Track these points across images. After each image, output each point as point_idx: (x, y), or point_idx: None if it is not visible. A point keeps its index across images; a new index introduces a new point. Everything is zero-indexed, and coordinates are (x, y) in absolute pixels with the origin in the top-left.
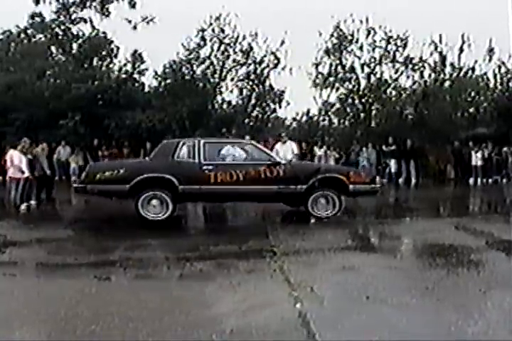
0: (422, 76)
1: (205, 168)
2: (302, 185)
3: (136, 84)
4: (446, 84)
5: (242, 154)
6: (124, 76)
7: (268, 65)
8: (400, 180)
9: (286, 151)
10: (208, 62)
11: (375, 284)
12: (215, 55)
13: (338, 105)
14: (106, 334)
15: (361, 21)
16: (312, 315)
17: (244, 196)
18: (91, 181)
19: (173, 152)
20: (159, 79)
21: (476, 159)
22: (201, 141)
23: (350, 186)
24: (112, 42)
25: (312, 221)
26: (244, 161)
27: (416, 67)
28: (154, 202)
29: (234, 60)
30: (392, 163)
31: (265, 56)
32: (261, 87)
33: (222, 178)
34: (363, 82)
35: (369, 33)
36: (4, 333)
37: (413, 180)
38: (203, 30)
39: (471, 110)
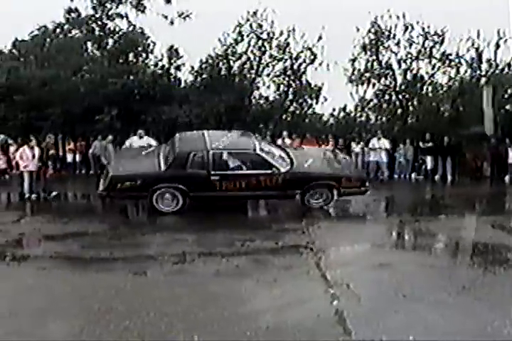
0: (458, 72)
1: (212, 178)
2: (298, 190)
3: (173, 80)
4: (483, 80)
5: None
6: (160, 71)
7: (305, 61)
8: (436, 177)
9: None
10: (244, 57)
11: (412, 282)
12: (252, 51)
13: (375, 101)
14: (139, 330)
15: (398, 17)
16: (349, 312)
17: (246, 198)
18: (113, 189)
19: (185, 163)
20: (196, 74)
21: None
22: (210, 151)
23: (342, 189)
24: (148, 37)
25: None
26: (248, 171)
27: (452, 64)
28: (167, 196)
29: (271, 56)
30: (429, 159)
31: (302, 52)
32: (298, 82)
33: (227, 186)
34: (400, 78)
35: (406, 28)
36: (37, 326)
37: (449, 177)
38: (240, 26)
39: (508, 107)
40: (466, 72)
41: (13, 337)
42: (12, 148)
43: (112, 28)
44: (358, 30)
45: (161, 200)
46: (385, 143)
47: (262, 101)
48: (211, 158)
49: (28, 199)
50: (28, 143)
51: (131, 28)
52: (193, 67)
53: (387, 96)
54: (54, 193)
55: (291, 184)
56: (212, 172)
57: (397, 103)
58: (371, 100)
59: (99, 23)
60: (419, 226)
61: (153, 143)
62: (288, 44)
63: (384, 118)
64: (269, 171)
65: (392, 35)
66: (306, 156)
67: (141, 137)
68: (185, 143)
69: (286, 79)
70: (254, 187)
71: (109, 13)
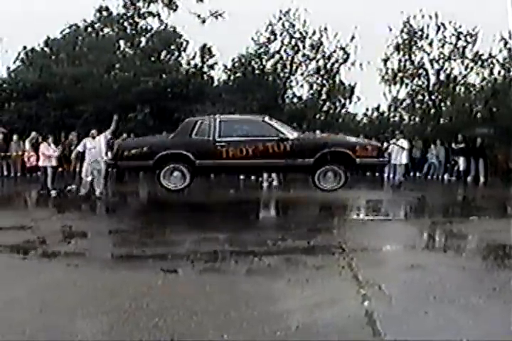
0: (491, 73)
1: (218, 144)
2: (309, 158)
3: (206, 78)
4: None
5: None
6: (193, 70)
7: (338, 60)
8: (469, 179)
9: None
10: (277, 56)
11: (443, 284)
12: (285, 50)
13: (408, 101)
14: (169, 328)
15: (430, 17)
16: (379, 314)
17: (255, 169)
18: (120, 158)
19: (191, 130)
20: (229, 73)
21: None
22: (217, 119)
23: (357, 159)
24: (181, 36)
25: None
26: (255, 137)
27: (485, 64)
28: (175, 173)
29: (304, 55)
30: (461, 160)
31: (335, 51)
32: (331, 82)
33: (233, 153)
34: (433, 79)
35: (439, 28)
36: (67, 324)
37: (481, 179)
38: (273, 25)
39: None
40: (499, 72)
41: (42, 334)
42: (43, 146)
43: (144, 27)
44: (390, 29)
45: (168, 177)
46: (403, 143)
47: (295, 101)
48: (218, 125)
49: (50, 195)
50: (47, 140)
51: (163, 27)
52: (225, 66)
53: (420, 97)
54: (69, 187)
55: (301, 152)
56: (218, 139)
57: (430, 103)
58: (404, 100)
59: (131, 21)
60: (451, 227)
61: (103, 144)
62: (321, 43)
63: (417, 119)
64: (276, 138)
65: (424, 35)
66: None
67: (93, 137)
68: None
69: (320, 78)
70: (261, 154)
71: (141, 12)
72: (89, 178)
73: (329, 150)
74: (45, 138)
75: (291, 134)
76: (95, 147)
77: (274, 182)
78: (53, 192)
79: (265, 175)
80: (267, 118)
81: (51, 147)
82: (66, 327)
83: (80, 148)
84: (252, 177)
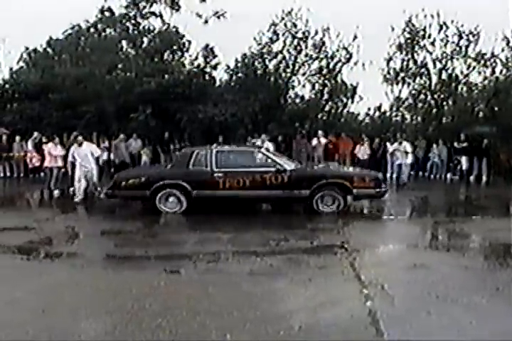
0: (493, 72)
1: (215, 175)
2: (306, 190)
3: (208, 78)
4: None
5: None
6: (195, 70)
7: (340, 60)
8: (471, 178)
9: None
10: (280, 56)
11: (446, 283)
12: (288, 50)
13: (410, 101)
14: (172, 328)
15: (432, 16)
16: (382, 313)
17: (252, 199)
18: (118, 188)
19: (188, 161)
20: (231, 73)
21: None
22: (213, 149)
23: (354, 190)
24: (183, 36)
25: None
26: (252, 168)
27: (488, 63)
28: (171, 199)
29: (306, 55)
30: (464, 160)
31: (337, 51)
32: (333, 81)
33: (231, 184)
34: (435, 78)
35: (441, 27)
36: (69, 324)
37: (484, 178)
38: (275, 25)
39: None
40: (501, 71)
41: (45, 334)
42: (45, 146)
43: (146, 27)
44: (393, 29)
45: (164, 201)
46: (407, 147)
47: (297, 101)
48: (214, 156)
49: (53, 196)
50: (53, 140)
51: (165, 27)
52: (228, 66)
53: (422, 96)
54: (72, 188)
55: (298, 183)
56: (216, 170)
57: (432, 102)
58: (406, 99)
59: (133, 21)
60: (454, 227)
61: (95, 150)
62: (323, 43)
63: (419, 118)
64: (273, 169)
65: (427, 35)
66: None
67: (80, 144)
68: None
69: (322, 78)
70: (258, 185)
71: (143, 12)
72: (83, 184)
73: (326, 182)
74: (51, 139)
75: (289, 165)
76: (83, 154)
77: None
78: (56, 193)
79: None
80: (263, 150)
81: (58, 147)
82: (69, 328)
83: (70, 158)
84: None
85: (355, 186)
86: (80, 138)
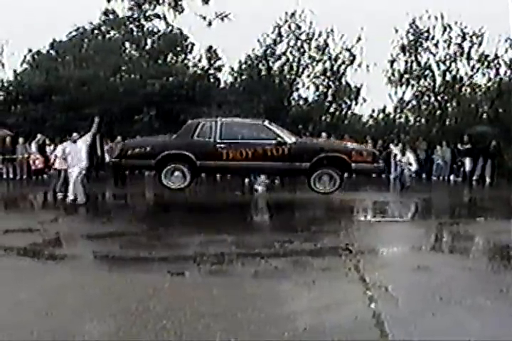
0: (497, 73)
1: (218, 146)
2: (306, 162)
3: (212, 80)
4: None
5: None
6: (199, 72)
7: (344, 62)
8: (474, 179)
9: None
10: (284, 58)
11: (449, 285)
12: (291, 52)
13: (413, 102)
14: (177, 330)
15: (436, 18)
16: (386, 315)
17: (253, 170)
18: (124, 156)
19: (193, 132)
20: (235, 75)
21: None
22: (218, 121)
23: (353, 164)
24: (187, 38)
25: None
26: (254, 140)
27: (491, 65)
28: (176, 173)
29: (310, 57)
30: (467, 161)
31: (341, 53)
32: (337, 83)
33: (233, 155)
34: (438, 80)
35: (445, 29)
36: (73, 326)
37: (487, 180)
38: (279, 27)
39: None
40: (505, 73)
41: (49, 336)
42: (48, 148)
43: (150, 29)
44: (396, 31)
45: (169, 176)
46: (410, 158)
47: (301, 102)
48: (219, 127)
49: (57, 198)
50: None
51: (169, 29)
52: (232, 68)
53: (425, 98)
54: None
55: (298, 155)
56: (219, 141)
57: (436, 104)
58: (410, 101)
59: (137, 23)
60: (458, 228)
61: (84, 150)
62: (327, 45)
63: (423, 120)
64: (274, 141)
65: (430, 36)
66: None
67: (74, 141)
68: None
69: (326, 80)
70: (260, 157)
71: (147, 14)
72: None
73: (326, 155)
74: (60, 140)
75: (290, 138)
76: (76, 152)
77: (259, 188)
78: (60, 194)
79: (259, 179)
80: (266, 122)
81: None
82: (73, 329)
83: (58, 153)
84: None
85: (353, 160)
86: (74, 134)
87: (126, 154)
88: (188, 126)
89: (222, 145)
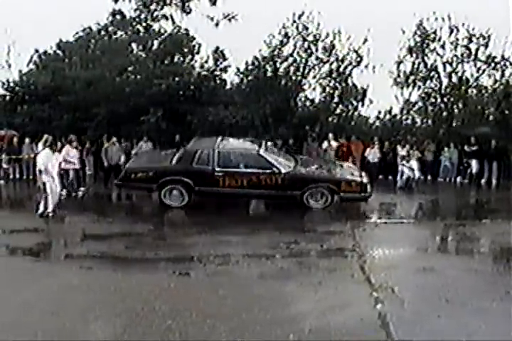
0: (503, 75)
1: (216, 174)
2: (297, 191)
3: (218, 81)
4: None
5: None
6: (205, 73)
7: (350, 63)
8: (482, 181)
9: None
10: (290, 59)
11: (455, 287)
12: (298, 53)
13: (420, 104)
14: (182, 330)
15: (443, 19)
16: (392, 316)
17: (248, 196)
18: (128, 180)
19: (192, 159)
20: (241, 76)
21: None
22: (215, 150)
23: (341, 194)
24: (194, 39)
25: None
26: (250, 170)
27: (498, 66)
28: (175, 192)
29: (317, 58)
30: (474, 163)
31: (348, 54)
32: (343, 84)
33: (229, 182)
34: (445, 81)
35: (451, 31)
36: (79, 325)
37: (494, 181)
38: (286, 28)
39: None
40: (511, 74)
41: (54, 335)
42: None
43: (157, 30)
44: (403, 32)
45: (169, 195)
46: (413, 165)
47: (307, 104)
48: (217, 155)
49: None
50: (72, 142)
51: (176, 30)
52: (238, 69)
53: (432, 99)
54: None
55: (290, 185)
56: (217, 169)
57: (442, 106)
58: (416, 103)
59: (144, 24)
60: (464, 230)
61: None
62: (334, 46)
63: (429, 121)
64: (269, 171)
65: (437, 38)
66: (312, 163)
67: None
68: (197, 143)
69: (332, 81)
70: (255, 185)
71: (154, 15)
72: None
73: (316, 185)
74: (68, 141)
75: (284, 168)
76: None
77: None
78: (63, 194)
79: None
80: (262, 151)
81: (74, 149)
82: (78, 329)
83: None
84: None
85: (342, 190)
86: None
87: (130, 178)
88: (187, 152)
89: (219, 174)
